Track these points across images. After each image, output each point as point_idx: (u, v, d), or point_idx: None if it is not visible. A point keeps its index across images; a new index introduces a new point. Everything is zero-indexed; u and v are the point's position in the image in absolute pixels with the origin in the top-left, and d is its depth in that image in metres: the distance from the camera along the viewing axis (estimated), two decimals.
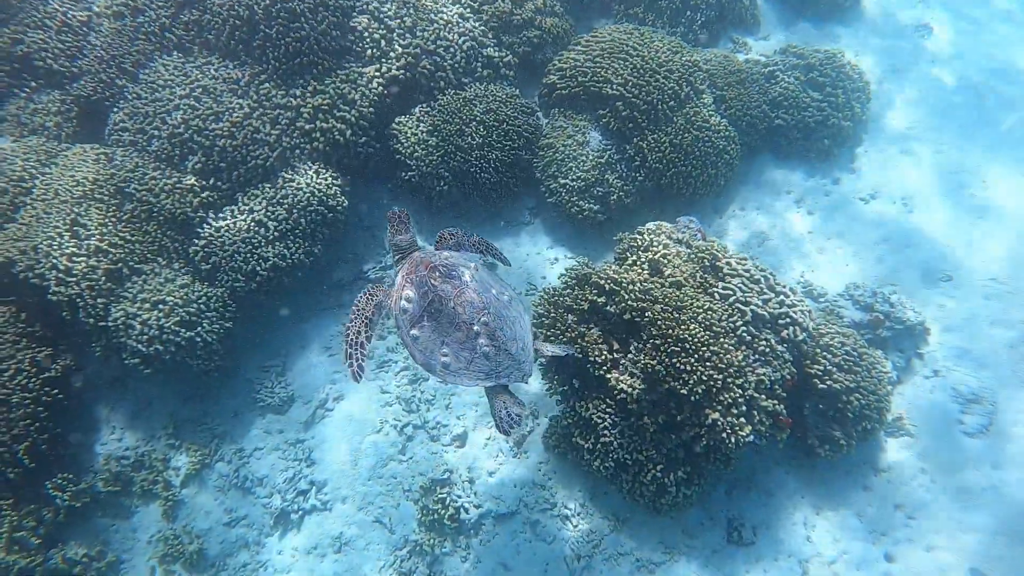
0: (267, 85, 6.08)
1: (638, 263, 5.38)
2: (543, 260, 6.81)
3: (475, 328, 3.76)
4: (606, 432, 5.14)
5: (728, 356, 4.79)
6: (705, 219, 6.83)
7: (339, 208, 6.18)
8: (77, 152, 6.00)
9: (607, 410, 5.17)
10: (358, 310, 4.08)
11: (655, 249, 5.35)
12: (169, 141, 5.88)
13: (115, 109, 6.09)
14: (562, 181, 6.46)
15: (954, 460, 5.68)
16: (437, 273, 3.90)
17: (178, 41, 6.24)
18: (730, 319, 4.97)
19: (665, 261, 5.27)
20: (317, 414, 6.12)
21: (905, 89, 7.72)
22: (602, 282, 5.17)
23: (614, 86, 6.39)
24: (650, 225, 5.69)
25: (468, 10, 6.68)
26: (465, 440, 5.96)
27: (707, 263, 5.26)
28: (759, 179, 7.06)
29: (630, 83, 6.37)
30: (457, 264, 3.98)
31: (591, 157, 6.49)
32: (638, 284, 5.07)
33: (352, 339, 4.03)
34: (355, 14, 6.41)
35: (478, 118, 6.42)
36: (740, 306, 5.01)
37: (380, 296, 4.14)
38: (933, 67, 7.89)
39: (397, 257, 4.30)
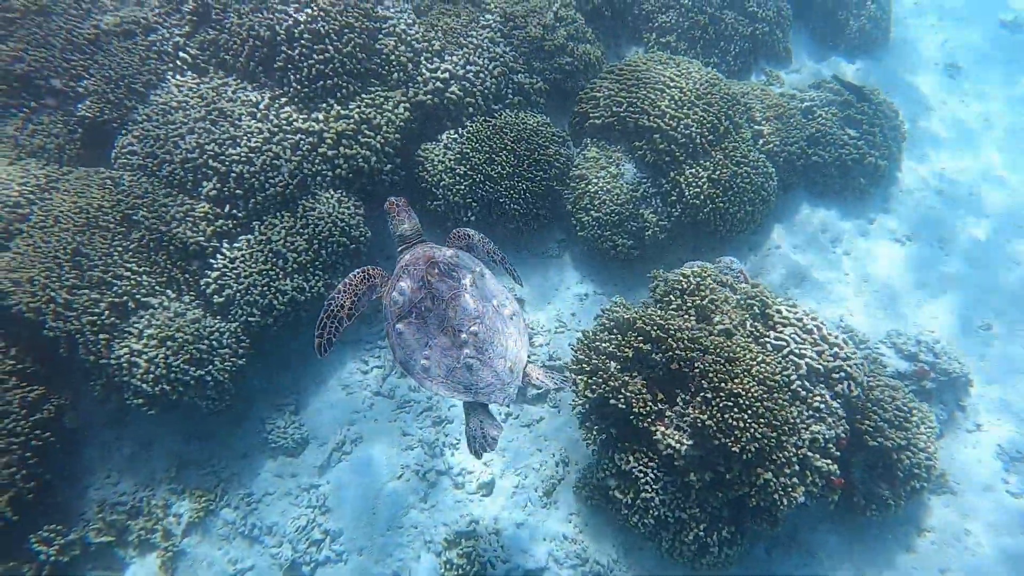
0: (288, 109, 5.73)
1: (683, 308, 5.10)
2: (572, 296, 6.51)
3: (463, 336, 3.51)
4: (648, 487, 4.84)
5: (783, 413, 4.52)
6: (741, 257, 6.59)
7: (362, 239, 5.84)
8: (80, 176, 5.59)
9: (649, 464, 4.87)
10: (348, 284, 3.85)
11: (702, 294, 5.08)
12: (182, 166, 5.50)
13: (123, 131, 5.70)
14: (595, 214, 6.18)
15: (999, 522, 5.45)
16: (436, 269, 3.63)
17: (193, 61, 5.87)
18: (784, 372, 4.70)
19: (713, 307, 5.00)
20: (333, 457, 5.74)
21: (935, 127, 7.60)
22: (648, 328, 4.88)
23: (651, 117, 6.14)
24: (693, 267, 5.42)
25: (499, 35, 6.40)
26: (492, 488, 5.61)
27: (757, 310, 5.01)
28: (794, 217, 6.85)
29: (668, 115, 6.13)
30: (461, 265, 3.72)
31: (625, 190, 6.23)
32: (686, 332, 4.80)
33: (332, 310, 3.79)
34: (381, 36, 6.10)
35: (508, 147, 6.13)
36: (794, 359, 4.75)
37: (376, 279, 3.90)
38: (965, 108, 7.78)
39: (401, 248, 4.07)
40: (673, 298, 5.18)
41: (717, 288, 5.14)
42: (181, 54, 5.88)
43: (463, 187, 6.09)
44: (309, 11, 5.75)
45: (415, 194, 6.33)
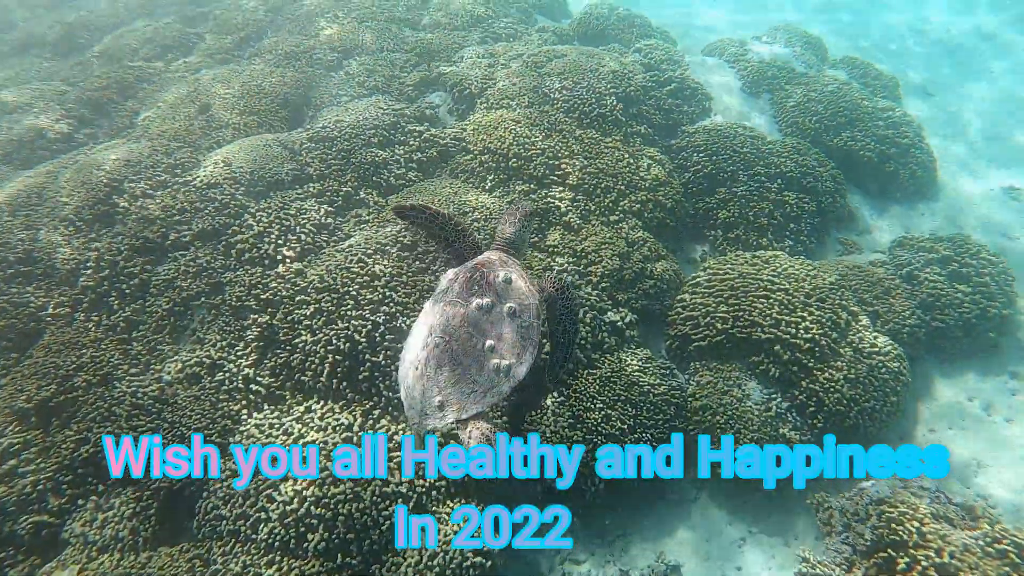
0: (384, 421, 5.11)
1: (918, 568, 4.24)
2: (728, 543, 5.58)
3: (432, 339, 3.54)
4: None
5: None
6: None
7: (494, 551, 4.98)
8: (165, 559, 4.76)
9: None
10: (447, 220, 4.20)
11: (933, 544, 4.25)
12: (281, 522, 4.72)
13: (204, 494, 4.97)
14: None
15: None
16: (475, 275, 3.64)
17: (267, 392, 5.31)
18: None
19: (958, 564, 4.15)
20: None
21: None
22: None
23: (765, 329, 5.64)
24: (897, 502, 4.62)
25: (576, 276, 6.04)
26: None
27: (1015, 557, 4.16)
28: (931, 391, 6.21)
29: (783, 322, 5.64)
30: (500, 294, 3.59)
31: (757, 413, 5.56)
32: None
33: (430, 212, 4.17)
34: None
35: (622, 396, 5.51)
36: None
37: (463, 249, 4.14)
38: None
39: (491, 244, 4.18)
40: (898, 556, 4.32)
41: (946, 533, 4.31)
42: (253, 387, 5.33)
43: (583, 455, 5.36)
44: (386, 308, 5.32)
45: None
